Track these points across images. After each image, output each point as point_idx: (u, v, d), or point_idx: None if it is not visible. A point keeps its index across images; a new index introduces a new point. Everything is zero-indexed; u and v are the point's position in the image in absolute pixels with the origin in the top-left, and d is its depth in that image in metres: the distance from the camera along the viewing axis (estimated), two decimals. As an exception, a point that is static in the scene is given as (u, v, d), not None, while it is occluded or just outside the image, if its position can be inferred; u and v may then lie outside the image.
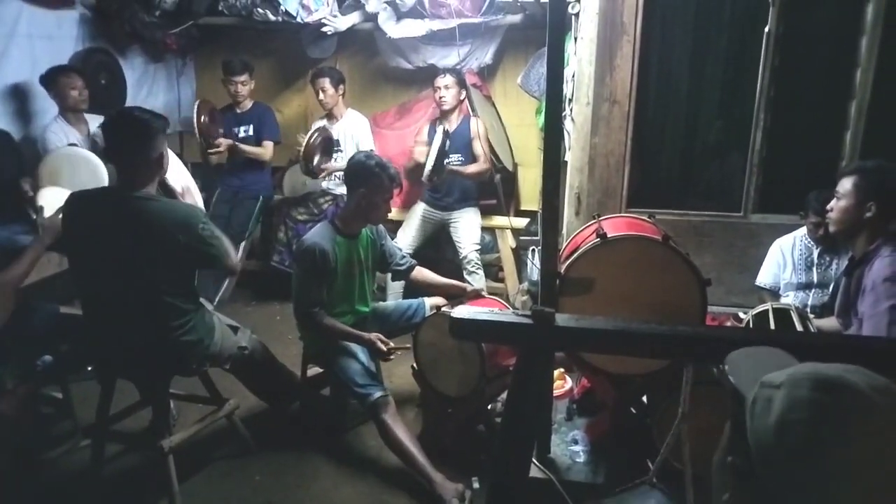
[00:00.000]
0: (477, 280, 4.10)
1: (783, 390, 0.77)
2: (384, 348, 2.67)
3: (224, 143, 4.33)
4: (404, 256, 3.09)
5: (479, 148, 4.09)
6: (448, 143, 3.91)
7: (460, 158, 4.09)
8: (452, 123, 4.15)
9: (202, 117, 4.22)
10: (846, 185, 2.29)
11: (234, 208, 4.42)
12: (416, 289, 3.20)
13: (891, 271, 2.13)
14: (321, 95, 4.32)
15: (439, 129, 3.93)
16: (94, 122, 3.81)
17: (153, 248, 2.20)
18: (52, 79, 3.71)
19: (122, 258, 2.22)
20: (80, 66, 4.03)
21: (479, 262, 4.16)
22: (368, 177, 2.74)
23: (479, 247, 4.17)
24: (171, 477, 2.41)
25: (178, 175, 2.58)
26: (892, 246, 2.20)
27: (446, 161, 4.00)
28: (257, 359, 2.78)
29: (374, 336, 2.71)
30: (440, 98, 4.05)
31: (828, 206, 2.40)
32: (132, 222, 2.20)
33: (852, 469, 0.72)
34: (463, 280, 4.10)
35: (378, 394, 2.64)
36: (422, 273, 3.09)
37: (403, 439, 2.57)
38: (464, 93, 4.13)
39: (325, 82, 4.29)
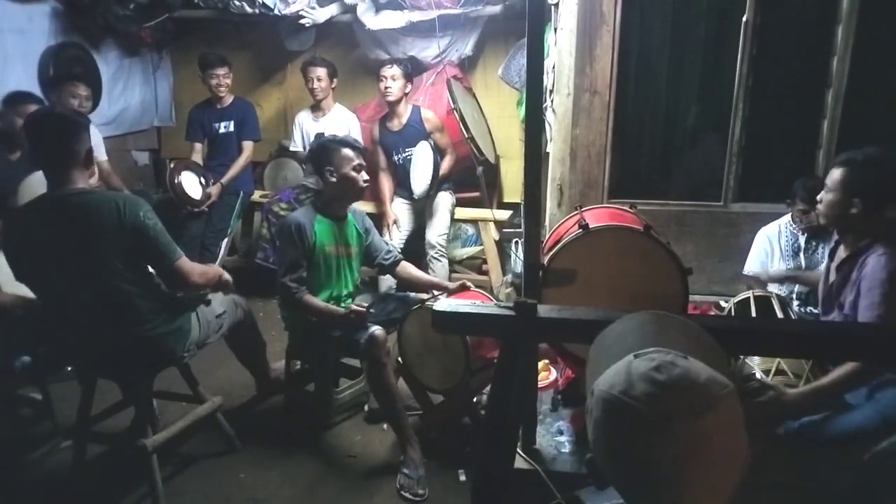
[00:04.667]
0: (439, 268, 4.09)
1: (593, 404, 0.89)
2: (363, 311, 2.66)
3: (213, 191, 4.30)
4: (390, 251, 3.09)
5: (441, 139, 4.08)
6: (437, 158, 3.94)
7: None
8: (402, 117, 4.11)
9: (175, 178, 4.14)
10: (835, 176, 2.21)
11: (215, 204, 4.37)
12: (399, 284, 3.19)
13: (887, 274, 2.08)
14: (314, 84, 4.25)
15: (426, 145, 3.93)
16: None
17: (100, 237, 2.14)
18: (58, 85, 3.72)
19: (75, 257, 2.15)
20: (84, 74, 4.05)
21: (444, 250, 4.13)
22: (329, 154, 2.78)
23: (445, 234, 4.14)
24: (154, 476, 2.39)
25: None
26: (886, 243, 2.15)
27: (403, 157, 4.08)
28: (239, 321, 2.80)
29: (351, 307, 2.69)
30: (385, 88, 4.00)
31: (818, 197, 2.32)
32: (74, 217, 2.14)
33: (636, 477, 0.82)
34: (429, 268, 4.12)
35: (369, 331, 2.63)
36: (406, 269, 3.09)
37: (394, 388, 2.62)
38: (409, 86, 4.10)
39: (322, 72, 4.24)
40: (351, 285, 2.98)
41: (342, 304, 2.91)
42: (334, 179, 2.79)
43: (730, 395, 0.82)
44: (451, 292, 2.89)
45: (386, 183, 4.23)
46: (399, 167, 4.14)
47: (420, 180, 3.97)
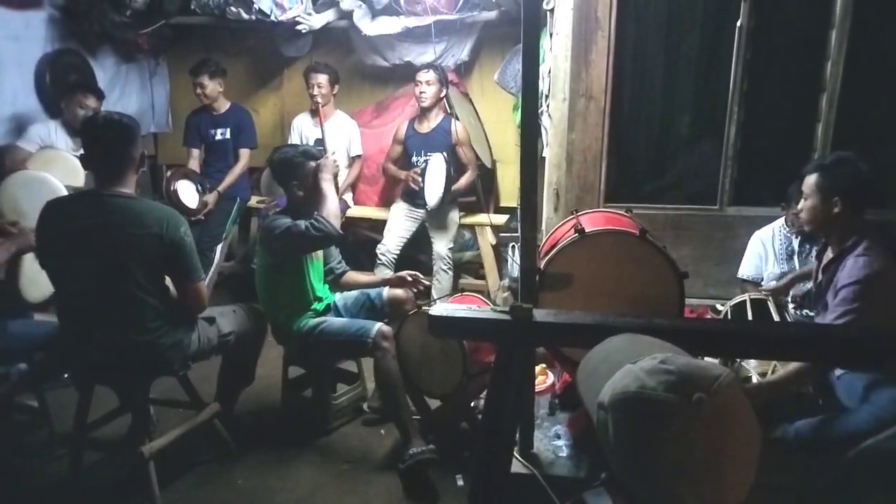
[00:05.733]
0: (445, 280, 4.10)
1: (609, 414, 0.86)
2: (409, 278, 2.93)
3: (210, 199, 4.30)
4: (341, 261, 3.13)
5: (465, 154, 4.10)
6: (451, 168, 3.94)
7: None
8: (431, 121, 4.15)
9: (171, 186, 4.12)
10: (810, 182, 2.30)
11: (212, 210, 4.37)
12: (344, 289, 3.20)
13: (857, 275, 2.14)
14: (315, 90, 4.26)
15: (440, 157, 3.93)
16: None
17: (133, 242, 2.21)
18: (69, 93, 3.78)
19: (101, 254, 2.21)
20: (96, 87, 4.07)
21: (451, 262, 4.14)
22: (295, 168, 2.80)
23: (452, 245, 4.17)
24: (151, 483, 2.39)
25: None
26: (868, 243, 2.20)
27: (423, 160, 4.06)
28: (246, 337, 2.79)
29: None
30: (420, 93, 4.04)
31: (798, 206, 2.41)
32: (112, 218, 2.21)
33: (674, 468, 0.81)
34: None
35: (376, 327, 2.69)
36: (352, 277, 3.16)
37: (400, 380, 2.65)
38: (444, 91, 4.13)
39: (324, 79, 4.26)
40: (325, 286, 3.03)
41: (325, 302, 2.96)
42: (301, 193, 2.82)
43: (731, 375, 0.86)
44: (391, 284, 3.03)
45: (392, 167, 4.30)
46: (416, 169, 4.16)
47: (433, 192, 3.97)
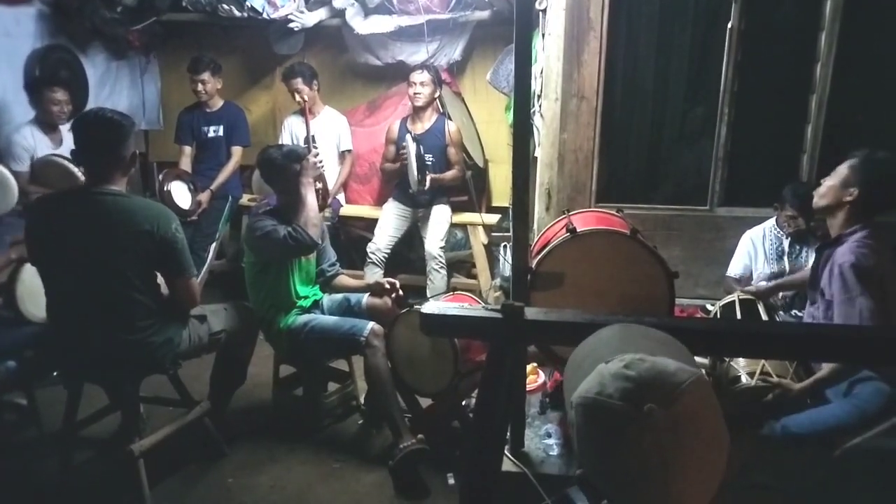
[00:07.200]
0: (438, 279, 4.10)
1: (574, 415, 0.88)
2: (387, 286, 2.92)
3: (203, 198, 4.27)
4: (334, 264, 3.14)
5: (454, 155, 4.10)
6: (422, 149, 3.92)
7: (432, 158, 4.08)
8: (425, 122, 4.13)
9: (165, 187, 4.08)
10: (847, 163, 2.32)
11: (205, 209, 4.35)
12: (333, 291, 3.22)
13: (856, 260, 2.16)
14: (297, 97, 4.25)
15: (409, 139, 3.93)
16: (66, 129, 3.75)
17: (124, 239, 2.20)
18: (36, 90, 3.72)
19: (92, 253, 2.21)
20: (66, 77, 4.02)
21: (443, 261, 4.14)
22: (278, 170, 2.82)
23: (443, 244, 4.17)
24: (141, 481, 2.38)
25: None
26: (867, 232, 2.23)
27: (426, 163, 4.05)
28: (237, 335, 2.78)
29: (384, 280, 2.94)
30: (414, 94, 4.02)
31: (822, 180, 2.42)
32: (103, 216, 2.20)
33: (626, 473, 0.82)
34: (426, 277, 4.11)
35: (369, 326, 2.72)
36: (341, 280, 3.17)
37: (390, 378, 2.66)
38: (438, 91, 4.12)
39: (298, 82, 4.23)
40: (315, 286, 3.03)
41: (312, 299, 2.97)
42: (284, 196, 2.85)
43: (699, 381, 0.84)
44: (372, 291, 3.03)
45: (390, 165, 4.26)
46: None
47: (410, 174, 3.97)
